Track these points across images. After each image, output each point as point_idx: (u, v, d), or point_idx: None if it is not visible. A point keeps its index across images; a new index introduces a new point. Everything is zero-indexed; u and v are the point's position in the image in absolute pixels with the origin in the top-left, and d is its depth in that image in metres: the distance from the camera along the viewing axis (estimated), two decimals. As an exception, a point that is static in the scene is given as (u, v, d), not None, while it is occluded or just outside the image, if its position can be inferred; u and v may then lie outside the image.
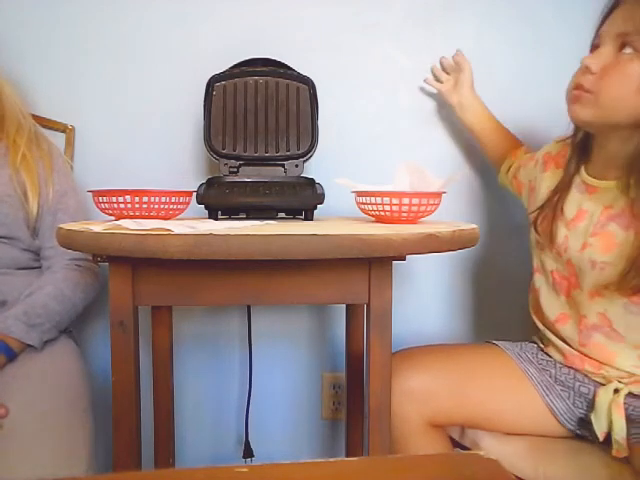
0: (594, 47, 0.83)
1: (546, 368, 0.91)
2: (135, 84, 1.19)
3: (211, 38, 1.19)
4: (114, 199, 0.78)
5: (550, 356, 0.93)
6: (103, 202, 0.79)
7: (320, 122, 1.01)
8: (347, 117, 1.23)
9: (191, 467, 0.32)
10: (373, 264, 0.75)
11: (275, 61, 1.02)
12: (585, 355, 0.87)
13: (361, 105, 1.23)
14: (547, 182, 0.95)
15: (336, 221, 0.95)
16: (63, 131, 1.17)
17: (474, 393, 0.90)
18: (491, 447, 0.90)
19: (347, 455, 1.21)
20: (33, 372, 0.89)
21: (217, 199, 0.91)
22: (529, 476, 0.85)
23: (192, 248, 0.62)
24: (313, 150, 0.99)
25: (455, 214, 1.23)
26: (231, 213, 0.99)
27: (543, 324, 0.95)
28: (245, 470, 0.32)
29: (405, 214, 0.79)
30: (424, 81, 1.21)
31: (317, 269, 0.75)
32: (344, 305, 1.20)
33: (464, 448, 0.95)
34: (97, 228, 0.67)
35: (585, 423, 0.87)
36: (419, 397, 0.89)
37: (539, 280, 0.95)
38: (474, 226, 0.77)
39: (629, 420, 0.80)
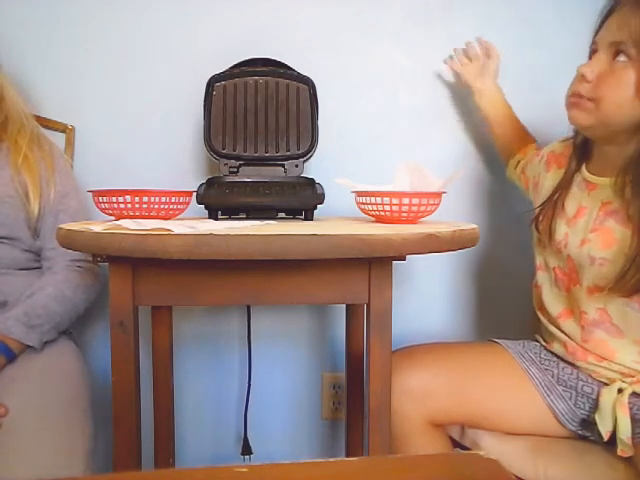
0: (592, 52, 0.84)
1: (548, 368, 0.91)
2: (135, 84, 1.19)
3: (211, 38, 1.19)
4: (114, 199, 0.78)
5: (553, 354, 0.93)
6: (103, 202, 0.79)
7: (320, 122, 1.01)
8: (347, 117, 1.23)
9: (191, 467, 0.32)
10: (373, 264, 0.75)
11: (275, 61, 1.02)
12: (587, 350, 0.87)
13: (361, 105, 1.23)
14: (550, 181, 0.95)
15: (336, 221, 0.95)
16: (63, 131, 1.17)
17: (474, 392, 0.90)
18: (491, 447, 0.90)
19: (347, 455, 1.21)
20: (33, 373, 0.89)
21: (217, 199, 0.91)
22: (529, 476, 0.85)
23: (192, 248, 0.62)
24: (313, 150, 0.99)
25: (455, 214, 1.23)
26: (231, 213, 0.99)
27: (546, 320, 0.95)
28: (245, 470, 0.32)
29: (405, 214, 0.79)
30: (444, 62, 1.20)
31: (317, 269, 0.75)
32: (344, 305, 1.20)
33: (464, 448, 0.95)
34: (97, 228, 0.67)
35: (587, 424, 0.87)
36: (419, 396, 0.89)
37: (541, 277, 0.96)
38: (474, 226, 0.77)
39: (633, 420, 0.80)
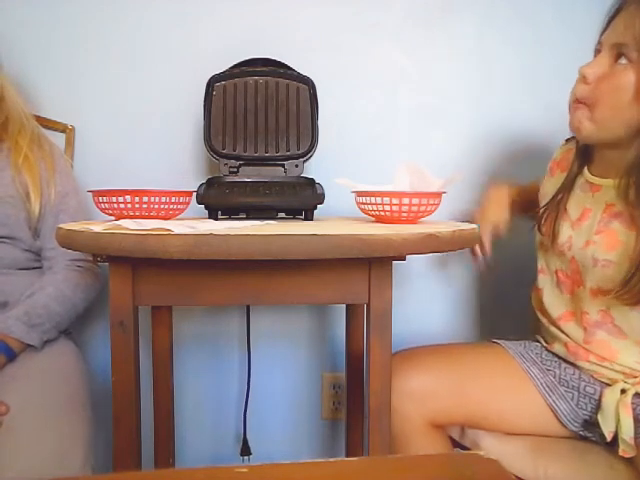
0: (596, 52, 0.83)
1: (550, 369, 0.91)
2: (135, 84, 1.19)
3: (211, 38, 1.19)
4: (114, 199, 0.78)
5: (554, 354, 0.93)
6: (103, 202, 0.79)
7: (320, 122, 1.01)
8: (347, 117, 1.23)
9: (191, 467, 0.32)
10: (373, 264, 0.75)
11: (275, 61, 1.02)
12: (589, 350, 0.87)
13: (361, 105, 1.23)
14: (553, 185, 0.95)
15: (336, 221, 0.95)
16: (63, 131, 1.17)
17: (474, 392, 0.90)
18: (491, 447, 0.90)
19: (347, 455, 1.21)
20: (33, 372, 0.89)
21: (217, 199, 0.91)
22: (529, 476, 0.85)
23: (192, 248, 0.62)
24: (313, 150, 0.99)
25: (455, 214, 1.23)
26: (231, 213, 0.99)
27: (547, 321, 0.95)
28: (245, 470, 0.32)
29: (405, 214, 0.79)
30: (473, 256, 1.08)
31: (317, 269, 0.75)
32: (344, 305, 1.20)
33: (464, 448, 0.95)
34: (97, 228, 0.67)
35: (588, 424, 0.87)
36: (420, 397, 0.88)
37: (543, 280, 0.95)
38: (474, 226, 0.77)
39: (636, 420, 0.80)
